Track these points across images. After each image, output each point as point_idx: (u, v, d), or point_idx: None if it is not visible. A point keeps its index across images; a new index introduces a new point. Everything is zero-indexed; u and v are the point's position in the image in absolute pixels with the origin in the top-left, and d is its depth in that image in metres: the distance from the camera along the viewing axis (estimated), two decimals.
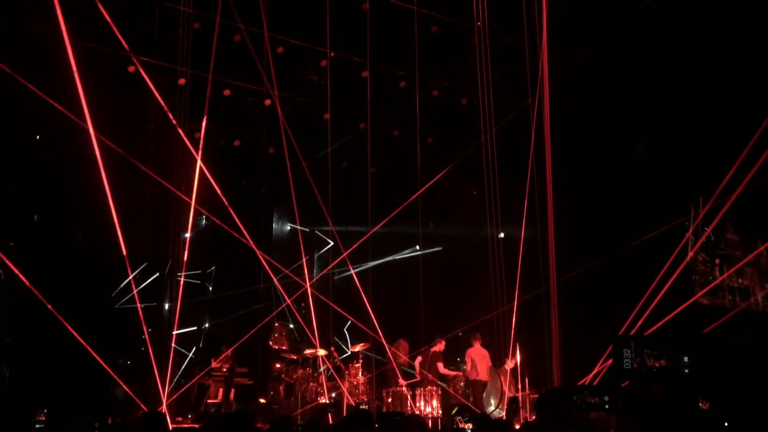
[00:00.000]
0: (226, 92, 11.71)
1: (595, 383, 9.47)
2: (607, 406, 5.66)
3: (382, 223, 10.47)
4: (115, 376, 9.07)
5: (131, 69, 10.72)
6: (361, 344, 11.52)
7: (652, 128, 10.63)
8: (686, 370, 5.70)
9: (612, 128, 10.91)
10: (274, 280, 10.43)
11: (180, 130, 9.29)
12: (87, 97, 8.23)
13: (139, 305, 9.23)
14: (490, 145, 10.60)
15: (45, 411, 8.65)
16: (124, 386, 9.34)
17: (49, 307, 8.30)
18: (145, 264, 11.07)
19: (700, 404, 6.45)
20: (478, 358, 11.16)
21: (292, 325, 12.57)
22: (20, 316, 9.80)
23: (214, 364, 11.12)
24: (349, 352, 12.11)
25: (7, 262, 8.30)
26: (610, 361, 9.35)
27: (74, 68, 8.01)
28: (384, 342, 10.67)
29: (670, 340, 6.17)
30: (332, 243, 13.27)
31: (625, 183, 10.74)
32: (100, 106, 8.76)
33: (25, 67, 8.64)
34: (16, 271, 8.33)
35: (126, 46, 8.94)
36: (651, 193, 10.40)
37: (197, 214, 10.21)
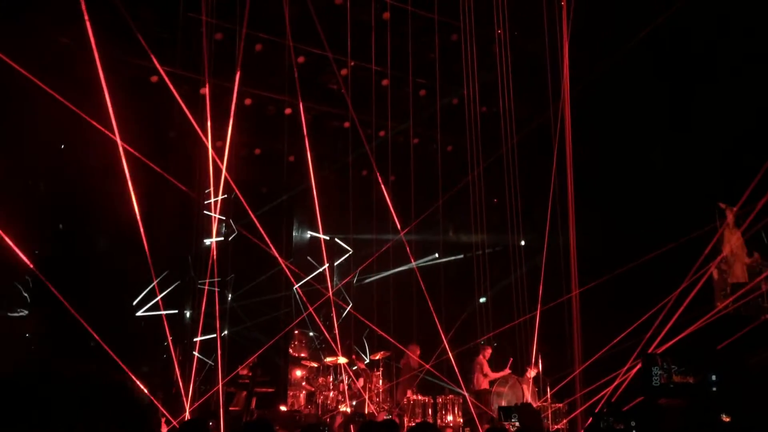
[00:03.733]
0: (248, 101, 11.80)
1: (613, 399, 9.39)
2: (634, 431, 5.60)
3: (405, 230, 10.47)
4: (139, 383, 9.11)
5: (154, 79, 10.83)
6: (381, 352, 11.51)
7: (677, 135, 10.58)
8: (714, 389, 5.66)
9: (635, 135, 10.87)
10: (296, 287, 10.47)
11: (205, 139, 9.36)
12: (114, 106, 8.32)
13: (163, 312, 9.29)
14: (512, 152, 10.61)
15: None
16: (148, 393, 9.38)
17: (74, 313, 8.37)
18: (166, 272, 11.14)
19: (723, 417, 6.40)
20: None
21: (312, 333, 12.59)
22: (45, 322, 9.88)
23: (238, 370, 11.12)
24: (368, 360, 12.10)
25: (34, 269, 8.40)
26: (632, 373, 9.31)
27: (102, 78, 8.11)
28: (404, 349, 10.65)
29: (698, 357, 6.13)
30: (351, 251, 13.30)
31: (650, 190, 10.69)
32: (123, 115, 8.85)
33: (50, 76, 8.76)
34: (42, 278, 8.43)
35: (152, 55, 9.03)
36: (676, 200, 10.34)
37: (218, 221, 10.28)
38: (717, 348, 7.90)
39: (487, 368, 11.12)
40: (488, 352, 11.27)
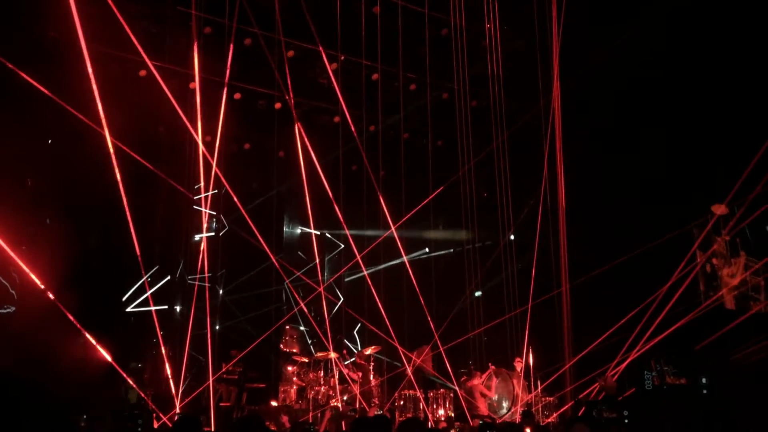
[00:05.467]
0: (237, 95, 11.74)
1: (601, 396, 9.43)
2: (626, 421, 5.65)
3: (397, 224, 10.45)
4: (129, 380, 9.08)
5: (143, 73, 10.75)
6: (372, 347, 11.49)
7: (667, 132, 10.61)
8: (704, 391, 5.71)
9: (626, 132, 10.90)
10: (287, 282, 10.43)
11: (195, 134, 9.31)
12: (102, 100, 8.26)
13: (153, 308, 9.24)
14: (502, 147, 10.62)
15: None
16: (138, 389, 9.35)
17: (63, 309, 8.31)
18: (156, 267, 11.08)
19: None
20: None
21: (302, 328, 12.58)
22: (33, 318, 9.80)
23: (224, 368, 11.09)
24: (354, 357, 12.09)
25: (21, 264, 8.34)
26: (622, 367, 9.37)
27: (91, 73, 8.04)
28: (398, 346, 10.62)
29: (690, 357, 6.19)
30: (342, 246, 13.28)
31: (640, 186, 10.72)
32: (112, 110, 8.78)
33: (39, 71, 8.68)
34: (30, 274, 8.36)
35: (141, 50, 8.96)
36: (666, 197, 10.38)
37: (208, 216, 10.23)
38: (705, 343, 7.96)
39: (483, 388, 10.79)
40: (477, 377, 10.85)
